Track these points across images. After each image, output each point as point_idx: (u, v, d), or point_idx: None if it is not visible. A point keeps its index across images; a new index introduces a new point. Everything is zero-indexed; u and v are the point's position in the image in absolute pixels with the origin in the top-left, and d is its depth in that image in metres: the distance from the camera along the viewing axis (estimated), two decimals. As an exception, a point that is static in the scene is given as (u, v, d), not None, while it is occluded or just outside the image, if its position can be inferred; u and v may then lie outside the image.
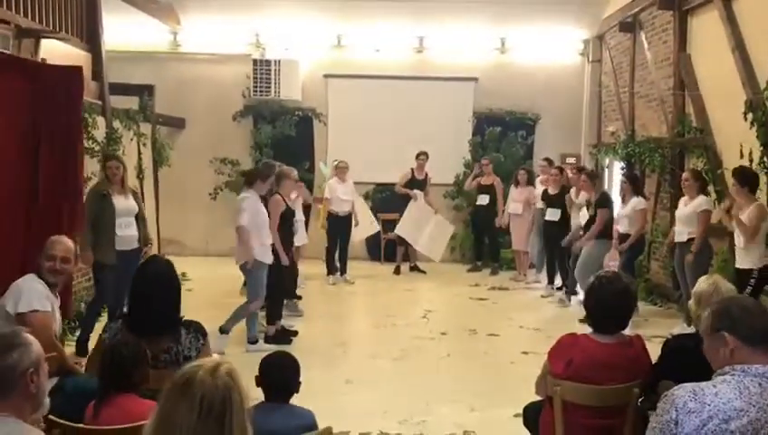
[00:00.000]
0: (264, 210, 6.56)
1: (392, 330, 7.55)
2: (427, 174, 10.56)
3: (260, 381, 3.05)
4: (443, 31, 11.45)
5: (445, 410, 5.15)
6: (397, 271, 10.62)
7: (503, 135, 11.50)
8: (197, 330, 3.41)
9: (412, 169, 10.53)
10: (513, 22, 11.29)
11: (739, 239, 6.13)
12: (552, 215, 9.11)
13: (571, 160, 11.35)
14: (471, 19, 11.18)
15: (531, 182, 10.07)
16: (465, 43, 11.53)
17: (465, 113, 11.66)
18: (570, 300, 8.70)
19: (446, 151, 11.28)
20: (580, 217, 8.63)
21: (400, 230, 10.42)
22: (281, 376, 3.11)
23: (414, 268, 10.77)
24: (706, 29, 8.09)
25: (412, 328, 7.54)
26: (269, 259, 6.53)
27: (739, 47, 7.25)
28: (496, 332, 7.39)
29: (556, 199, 9.12)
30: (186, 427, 1.76)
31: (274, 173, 6.83)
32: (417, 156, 10.47)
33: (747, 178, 6.21)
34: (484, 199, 10.62)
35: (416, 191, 10.43)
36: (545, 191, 9.39)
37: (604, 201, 8.18)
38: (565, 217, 8.99)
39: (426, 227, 10.49)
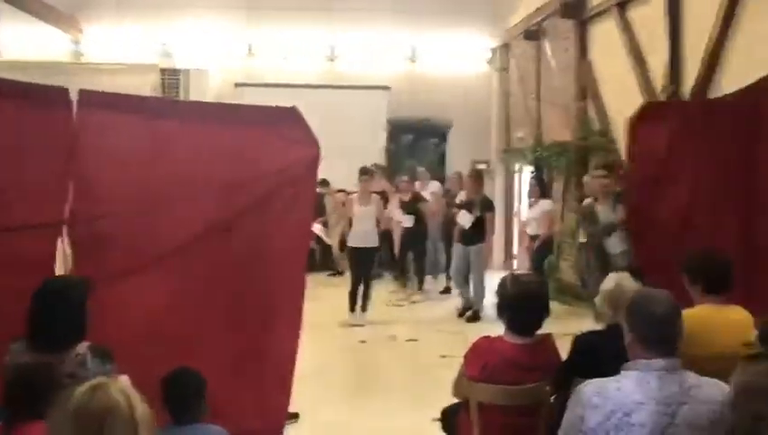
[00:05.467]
0: None
1: (312, 341, 7.46)
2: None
3: (163, 402, 2.90)
4: (354, 39, 11.52)
5: (364, 415, 5.15)
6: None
7: (416, 143, 11.64)
8: (104, 355, 3.24)
9: None
10: (422, 31, 11.47)
11: None
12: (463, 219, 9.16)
13: (482, 166, 11.58)
14: (381, 28, 11.28)
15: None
16: (377, 51, 11.65)
17: (378, 122, 11.75)
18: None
19: (361, 160, 11.22)
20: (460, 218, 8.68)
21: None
22: (181, 394, 2.96)
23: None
24: (605, 36, 8.46)
25: (334, 338, 7.49)
26: None
27: (635, 53, 7.62)
28: (415, 337, 7.45)
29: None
30: None
31: None
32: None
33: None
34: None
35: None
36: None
37: (491, 205, 8.38)
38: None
39: None
